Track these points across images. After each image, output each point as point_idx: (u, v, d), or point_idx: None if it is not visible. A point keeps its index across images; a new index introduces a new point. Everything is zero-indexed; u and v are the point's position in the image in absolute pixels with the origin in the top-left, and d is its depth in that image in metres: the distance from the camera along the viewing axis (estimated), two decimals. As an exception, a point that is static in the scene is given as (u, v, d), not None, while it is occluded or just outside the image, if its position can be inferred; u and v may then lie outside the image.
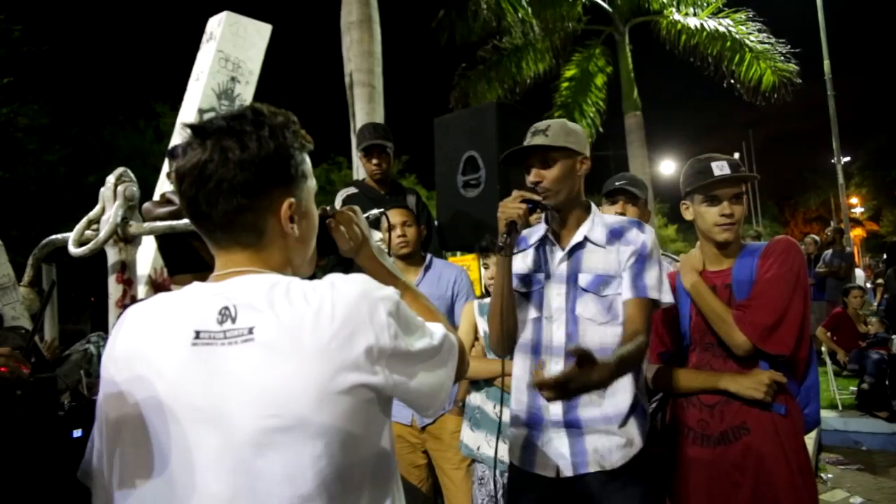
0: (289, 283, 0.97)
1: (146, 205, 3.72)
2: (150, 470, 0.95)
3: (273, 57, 5.75)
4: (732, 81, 11.25)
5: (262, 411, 0.89)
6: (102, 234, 3.54)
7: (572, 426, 1.85)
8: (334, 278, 0.98)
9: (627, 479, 1.82)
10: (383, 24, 6.37)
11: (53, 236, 4.05)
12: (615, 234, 1.92)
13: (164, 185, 4.48)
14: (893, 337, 6.50)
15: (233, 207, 0.98)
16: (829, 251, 9.27)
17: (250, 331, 0.92)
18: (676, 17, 11.11)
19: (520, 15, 10.85)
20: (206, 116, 4.73)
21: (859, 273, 10.67)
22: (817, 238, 10.38)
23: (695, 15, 11.13)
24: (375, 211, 1.75)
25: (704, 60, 11.28)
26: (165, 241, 3.69)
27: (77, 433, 2.01)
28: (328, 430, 0.90)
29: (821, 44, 14.04)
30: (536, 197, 1.89)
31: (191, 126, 1.01)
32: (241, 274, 1.00)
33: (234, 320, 0.93)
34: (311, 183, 1.09)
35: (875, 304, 9.62)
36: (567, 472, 1.83)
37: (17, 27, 13.02)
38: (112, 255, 3.66)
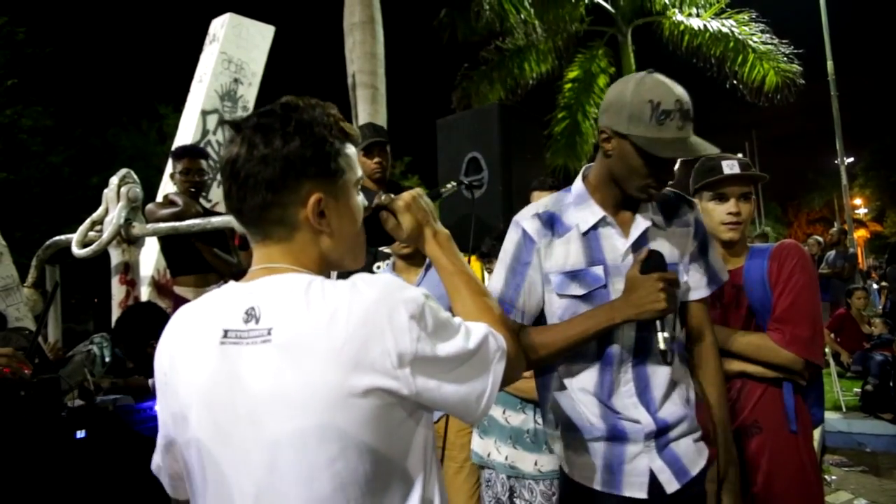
0: (311, 283, 0.95)
1: (149, 206, 3.75)
2: (190, 466, 1.01)
3: (276, 58, 5.76)
4: (735, 82, 11.23)
5: (278, 413, 0.90)
6: (106, 235, 3.56)
7: (661, 434, 1.53)
8: (357, 278, 0.96)
9: (701, 488, 1.58)
10: (386, 25, 6.38)
11: (57, 237, 4.07)
12: (669, 213, 1.62)
13: (167, 187, 4.50)
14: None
15: (259, 203, 0.98)
16: (833, 252, 9.26)
17: (269, 332, 0.93)
18: (679, 18, 11.09)
19: (522, 16, 10.85)
20: (209, 118, 4.75)
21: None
22: (820, 239, 10.36)
23: (698, 16, 11.11)
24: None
25: (707, 61, 11.26)
26: (168, 243, 3.72)
27: (80, 434, 2.02)
28: (343, 433, 0.89)
29: (824, 44, 14.03)
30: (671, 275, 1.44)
31: (228, 122, 1.03)
32: (272, 272, 1.00)
33: (257, 320, 0.94)
34: (351, 176, 1.06)
35: (880, 306, 9.60)
36: (670, 487, 1.50)
37: (21, 29, 13.09)
38: (115, 257, 3.68)
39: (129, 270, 3.67)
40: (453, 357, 0.95)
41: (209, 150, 4.78)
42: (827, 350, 7.07)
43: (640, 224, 1.56)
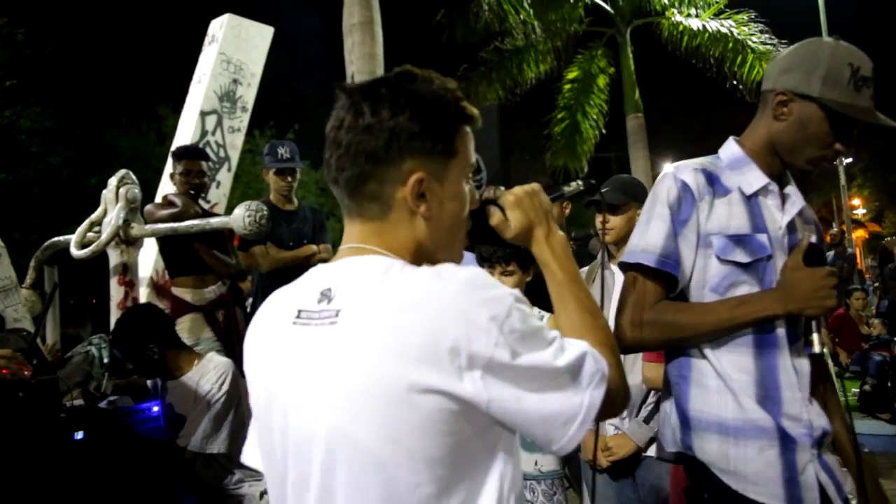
0: (391, 266, 0.88)
1: (148, 207, 3.75)
2: (263, 452, 0.98)
3: (275, 59, 5.76)
4: (735, 83, 11.23)
5: (333, 402, 0.84)
6: (104, 236, 3.55)
7: (822, 441, 1.37)
8: (443, 267, 0.87)
9: None
10: (385, 26, 6.38)
11: (55, 238, 4.07)
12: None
13: (166, 188, 4.49)
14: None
15: (357, 173, 0.92)
16: (832, 252, 9.27)
17: (336, 314, 0.87)
18: (678, 18, 11.10)
19: (521, 17, 10.85)
20: (208, 119, 4.74)
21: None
22: (819, 239, 10.34)
23: (696, 16, 11.11)
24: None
25: (706, 62, 11.26)
26: (167, 244, 3.72)
27: (79, 435, 2.02)
28: (397, 435, 0.81)
29: (823, 45, 14.03)
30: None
31: (341, 86, 0.96)
32: (358, 252, 0.93)
33: (329, 301, 0.89)
34: (463, 160, 0.97)
35: (874, 306, 9.60)
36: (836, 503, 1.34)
37: (21, 30, 13.07)
38: (114, 258, 3.68)
39: (128, 271, 3.67)
40: (536, 370, 0.84)
41: (208, 150, 4.77)
42: (826, 350, 7.07)
43: (796, 202, 1.44)
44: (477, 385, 0.81)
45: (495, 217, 1.09)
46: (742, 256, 1.36)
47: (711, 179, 1.41)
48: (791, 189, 1.47)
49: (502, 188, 1.14)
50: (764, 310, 1.32)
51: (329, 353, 0.86)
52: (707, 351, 1.38)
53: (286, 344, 0.92)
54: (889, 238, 8.28)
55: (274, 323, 0.96)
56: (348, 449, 0.84)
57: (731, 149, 1.48)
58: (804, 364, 1.39)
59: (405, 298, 0.84)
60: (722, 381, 1.36)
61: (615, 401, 0.93)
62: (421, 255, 0.96)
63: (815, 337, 1.34)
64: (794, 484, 1.31)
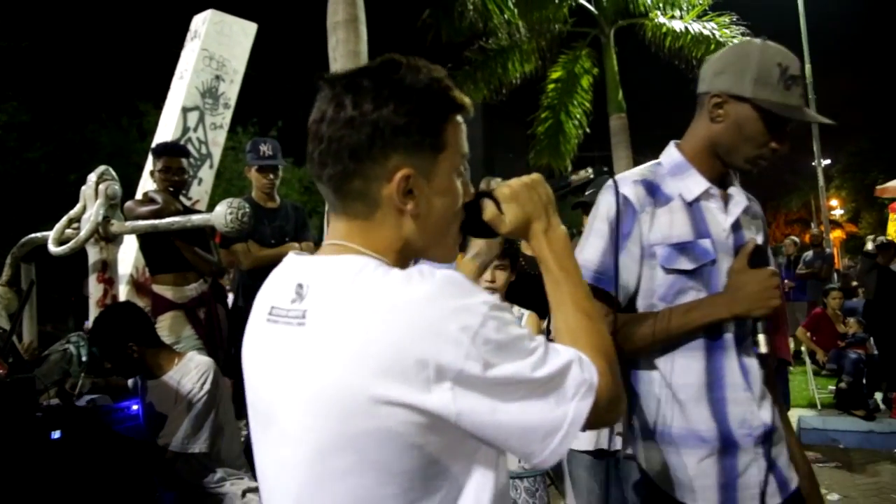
0: (364, 267, 0.83)
1: (128, 203, 3.71)
2: (255, 448, 0.96)
3: (258, 56, 5.72)
4: (716, 84, 11.32)
5: (299, 406, 0.82)
6: (83, 232, 3.51)
7: (767, 439, 1.40)
8: (415, 270, 0.83)
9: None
10: (370, 24, 6.36)
11: (33, 235, 4.01)
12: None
13: (146, 184, 4.44)
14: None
15: (340, 171, 0.87)
16: (810, 252, 9.42)
17: (303, 315, 0.84)
18: (661, 20, 11.18)
19: (506, 16, 10.86)
20: (190, 115, 4.69)
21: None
22: (797, 240, 10.53)
23: (680, 18, 11.21)
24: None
25: (689, 63, 11.36)
26: (147, 241, 3.68)
27: (55, 435, 1.99)
28: (359, 445, 0.78)
29: (802, 48, 14.25)
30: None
31: (322, 77, 0.91)
32: (337, 251, 0.89)
33: (301, 300, 0.85)
34: (454, 153, 0.92)
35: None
36: (772, 501, 1.38)
37: (-4, 23, 12.84)
38: (93, 255, 3.63)
39: (108, 268, 3.62)
40: (512, 381, 0.79)
41: (190, 147, 4.73)
42: (803, 349, 7.18)
43: (739, 202, 1.46)
44: (445, 397, 0.77)
45: (489, 211, 1.03)
46: (686, 264, 1.38)
47: (652, 189, 1.43)
48: (734, 189, 1.48)
49: (499, 179, 1.08)
50: (711, 314, 1.35)
51: (295, 355, 0.84)
52: (658, 358, 1.40)
53: (260, 341, 0.92)
54: (872, 237, 8.41)
55: (254, 318, 0.95)
56: (313, 454, 0.81)
57: (671, 154, 1.50)
58: (753, 363, 1.41)
59: (373, 305, 0.79)
60: (669, 391, 1.39)
61: (606, 410, 0.88)
62: (409, 254, 0.92)
63: (761, 337, 1.36)
64: (731, 488, 1.35)
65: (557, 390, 0.82)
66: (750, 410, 1.38)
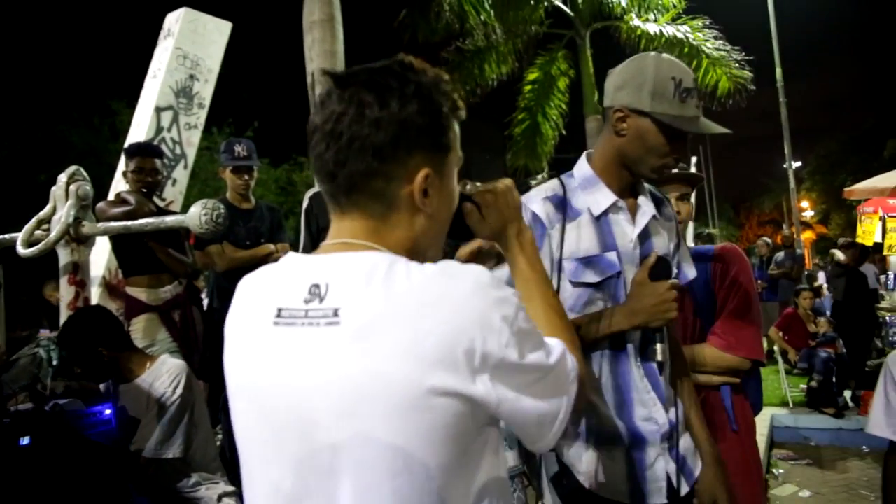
0: (394, 263, 0.83)
1: (100, 204, 3.64)
2: (243, 458, 0.92)
3: (233, 55, 5.66)
4: (690, 87, 11.47)
5: (338, 409, 0.79)
6: (53, 234, 3.43)
7: (672, 434, 1.50)
8: (447, 265, 0.84)
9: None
10: (346, 24, 6.33)
11: (1, 236, 3.91)
12: (656, 204, 1.60)
13: (119, 185, 4.37)
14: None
15: (361, 169, 0.86)
16: (782, 253, 9.60)
17: (335, 313, 0.81)
18: (636, 22, 11.30)
19: (482, 17, 10.91)
20: (164, 115, 4.61)
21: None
22: (769, 241, 10.71)
23: (654, 21, 11.34)
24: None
25: (663, 66, 11.50)
26: (120, 242, 3.62)
27: (24, 441, 1.95)
28: (412, 441, 0.78)
29: (773, 52, 14.51)
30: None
31: (331, 74, 0.90)
32: (349, 248, 0.88)
33: (321, 300, 0.82)
34: (456, 155, 0.94)
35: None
36: (683, 489, 1.50)
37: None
38: (64, 256, 3.55)
39: (79, 271, 3.55)
40: (535, 369, 0.85)
41: (163, 147, 4.66)
42: (776, 348, 7.32)
43: (646, 212, 1.53)
44: (487, 386, 0.80)
45: (473, 215, 1.07)
46: (592, 277, 1.46)
47: (562, 205, 1.49)
48: (643, 199, 1.55)
49: (478, 184, 1.11)
50: (612, 325, 1.42)
51: (330, 357, 0.80)
52: None
53: (268, 347, 0.86)
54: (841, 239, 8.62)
55: (252, 323, 0.89)
56: (362, 456, 0.79)
57: (582, 168, 1.56)
58: (653, 367, 1.48)
59: (418, 299, 0.80)
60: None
61: (583, 396, 0.95)
62: (414, 253, 0.92)
63: (658, 347, 1.43)
64: (640, 479, 1.45)
65: (561, 376, 0.89)
66: (655, 410, 1.47)
